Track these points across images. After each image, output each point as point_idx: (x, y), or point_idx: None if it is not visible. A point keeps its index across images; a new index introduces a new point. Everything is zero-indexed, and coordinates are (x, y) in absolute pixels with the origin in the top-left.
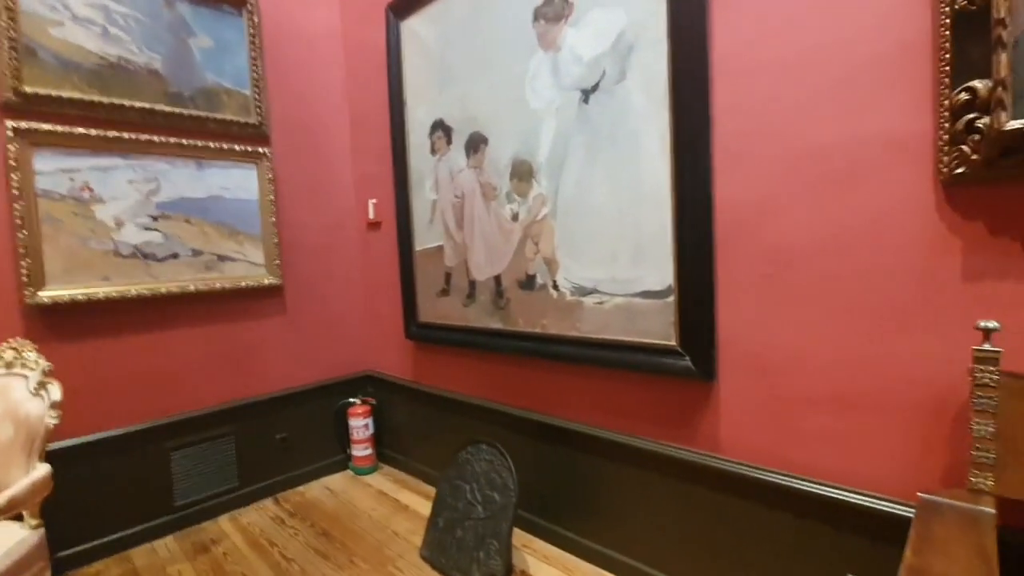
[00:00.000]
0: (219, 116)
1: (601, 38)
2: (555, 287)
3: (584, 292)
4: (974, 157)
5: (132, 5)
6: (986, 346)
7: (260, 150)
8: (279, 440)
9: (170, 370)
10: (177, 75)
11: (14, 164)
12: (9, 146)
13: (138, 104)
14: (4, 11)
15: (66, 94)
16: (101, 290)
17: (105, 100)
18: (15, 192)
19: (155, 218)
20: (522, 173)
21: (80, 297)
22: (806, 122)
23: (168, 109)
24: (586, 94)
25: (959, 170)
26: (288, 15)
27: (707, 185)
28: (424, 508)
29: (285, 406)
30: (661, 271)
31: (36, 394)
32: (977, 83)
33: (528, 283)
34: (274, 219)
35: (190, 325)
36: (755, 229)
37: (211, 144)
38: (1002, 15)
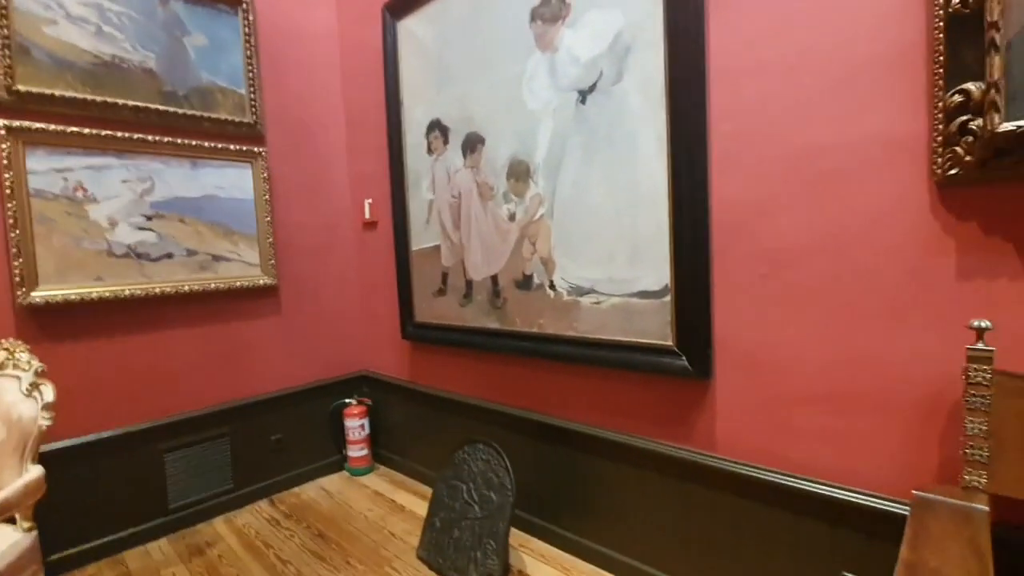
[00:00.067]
0: (214, 115)
1: (598, 39)
2: (552, 287)
3: (581, 292)
4: (967, 158)
5: (126, 3)
6: (979, 345)
7: (255, 149)
8: (274, 441)
9: (164, 371)
10: (171, 74)
11: (7, 163)
12: (2, 145)
13: (132, 103)
14: None
15: (59, 93)
16: (95, 290)
17: (99, 99)
18: (7, 191)
19: (149, 218)
20: (519, 173)
21: (73, 297)
22: (802, 123)
23: (162, 108)
24: (583, 95)
25: (953, 171)
26: (284, 14)
27: (704, 185)
28: (420, 509)
29: (280, 407)
30: (658, 271)
31: (29, 395)
32: (970, 85)
33: (525, 283)
34: (269, 219)
35: (184, 325)
36: (751, 229)
37: (206, 143)
38: (995, 18)
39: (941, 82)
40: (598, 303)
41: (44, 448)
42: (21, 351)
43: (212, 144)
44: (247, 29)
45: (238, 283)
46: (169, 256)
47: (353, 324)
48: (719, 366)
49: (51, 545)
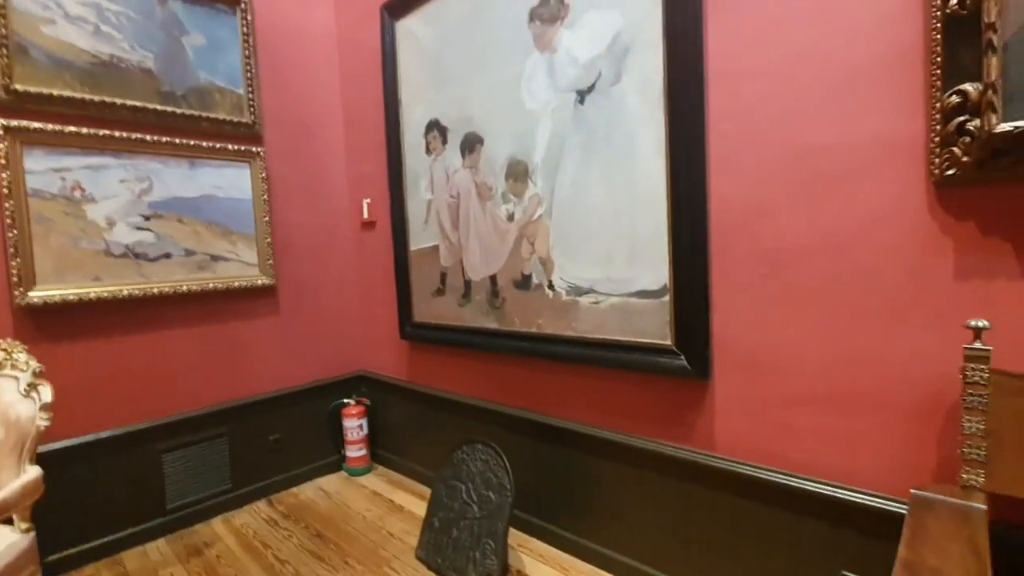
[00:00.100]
0: (212, 115)
1: (597, 40)
2: (551, 287)
3: (580, 292)
4: (965, 159)
5: (125, 3)
6: (977, 345)
7: (253, 149)
8: (272, 441)
9: (162, 371)
10: (170, 73)
11: (4, 163)
12: None
13: (130, 103)
14: None
15: (57, 92)
16: (92, 290)
17: (97, 99)
18: (5, 191)
19: (147, 218)
20: (518, 173)
21: (71, 297)
22: (800, 124)
23: (160, 108)
24: (582, 95)
25: (950, 172)
26: (282, 14)
27: (702, 185)
28: (419, 509)
29: (279, 407)
30: (657, 271)
31: (27, 396)
32: (968, 86)
33: (524, 283)
34: (267, 218)
35: (182, 325)
36: (751, 229)
37: (204, 143)
38: (992, 19)
39: (939, 83)
40: (597, 303)
41: (42, 448)
42: (19, 351)
43: (210, 144)
44: (245, 29)
45: (236, 283)
46: (167, 256)
47: (351, 324)
48: (718, 366)
49: (49, 546)
